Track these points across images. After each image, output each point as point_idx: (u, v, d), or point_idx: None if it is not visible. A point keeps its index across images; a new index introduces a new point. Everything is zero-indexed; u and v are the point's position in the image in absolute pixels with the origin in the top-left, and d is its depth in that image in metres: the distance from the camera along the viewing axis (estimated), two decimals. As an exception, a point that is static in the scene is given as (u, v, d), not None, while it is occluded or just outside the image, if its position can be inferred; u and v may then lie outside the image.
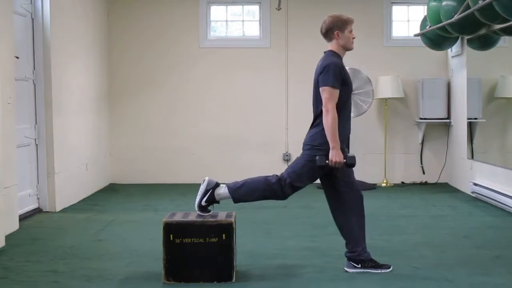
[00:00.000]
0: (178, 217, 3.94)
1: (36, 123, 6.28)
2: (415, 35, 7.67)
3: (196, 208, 3.99)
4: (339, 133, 3.92)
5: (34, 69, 6.23)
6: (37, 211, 6.24)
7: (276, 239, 5.10)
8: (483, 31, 6.59)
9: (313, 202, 6.57)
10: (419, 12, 8.32)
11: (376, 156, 8.28)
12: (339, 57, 4.07)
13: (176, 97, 8.43)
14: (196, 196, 4.00)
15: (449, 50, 7.96)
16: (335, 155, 3.88)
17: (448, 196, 7.35)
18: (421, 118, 8.21)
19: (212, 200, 3.99)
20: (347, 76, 4.04)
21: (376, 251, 4.33)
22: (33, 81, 6.23)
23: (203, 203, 3.98)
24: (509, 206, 6.08)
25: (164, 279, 3.84)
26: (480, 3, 5.50)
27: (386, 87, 8.03)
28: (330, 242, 4.83)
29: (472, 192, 7.08)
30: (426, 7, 7.22)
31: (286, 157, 8.38)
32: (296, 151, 4.28)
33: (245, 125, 8.43)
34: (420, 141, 8.39)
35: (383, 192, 7.67)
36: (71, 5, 6.95)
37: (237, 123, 8.42)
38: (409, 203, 6.92)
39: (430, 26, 7.09)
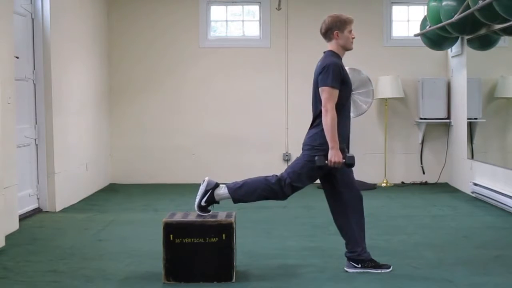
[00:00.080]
0: (178, 217, 3.94)
1: (36, 123, 6.28)
2: (415, 35, 7.66)
3: (196, 209, 4.00)
4: (339, 133, 3.92)
5: (34, 69, 6.23)
6: (37, 211, 6.25)
7: (276, 239, 5.10)
8: (483, 31, 6.59)
9: (313, 202, 6.57)
10: (419, 12, 8.32)
11: (376, 156, 8.28)
12: (339, 57, 4.07)
13: (176, 97, 8.43)
14: (196, 196, 4.01)
15: (449, 50, 7.96)
16: (334, 155, 3.88)
17: (448, 196, 7.35)
18: (421, 118, 8.21)
19: (211, 200, 3.99)
20: (347, 76, 4.03)
21: (376, 251, 4.33)
22: (33, 81, 6.23)
23: (202, 203, 3.98)
24: (509, 206, 6.08)
25: (164, 279, 3.84)
26: (480, 3, 5.50)
27: (386, 87, 8.03)
28: (330, 242, 4.83)
29: (472, 192, 7.07)
30: (426, 7, 7.22)
31: (286, 157, 8.38)
32: (296, 151, 4.27)
33: (245, 125, 8.42)
34: (420, 141, 8.39)
35: (383, 192, 7.67)
36: (71, 5, 6.95)
37: (237, 123, 8.42)
38: (409, 203, 6.92)
39: (430, 26, 7.09)
